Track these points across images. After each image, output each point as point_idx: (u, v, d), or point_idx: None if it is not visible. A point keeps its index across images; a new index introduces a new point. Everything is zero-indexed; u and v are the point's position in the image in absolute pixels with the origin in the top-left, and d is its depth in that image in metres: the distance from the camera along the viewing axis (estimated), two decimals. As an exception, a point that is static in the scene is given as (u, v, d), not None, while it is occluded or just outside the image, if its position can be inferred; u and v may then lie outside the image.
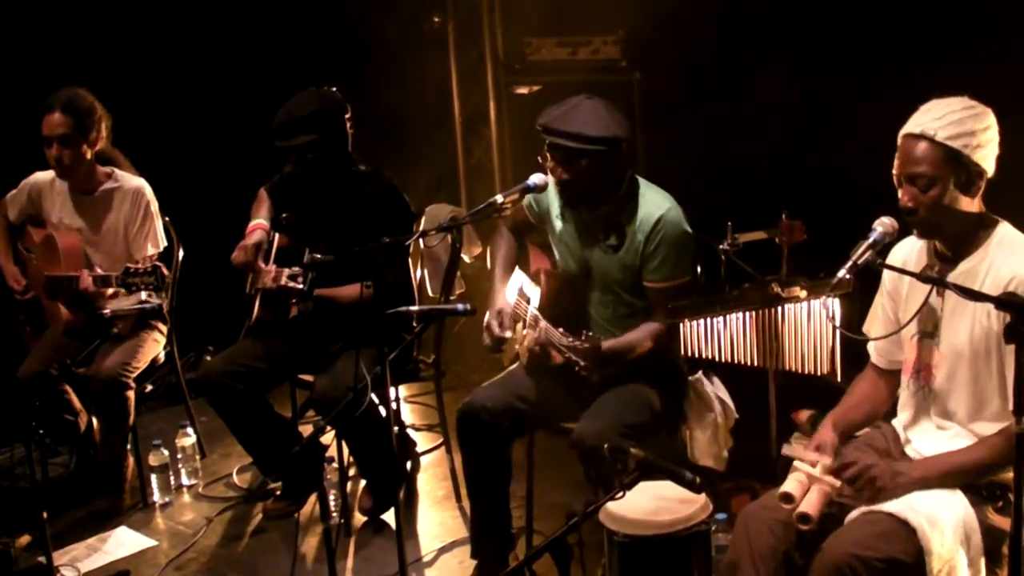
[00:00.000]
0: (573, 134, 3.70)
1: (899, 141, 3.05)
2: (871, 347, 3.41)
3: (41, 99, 4.66)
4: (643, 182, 3.91)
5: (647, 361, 3.90)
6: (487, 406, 3.93)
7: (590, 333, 3.58)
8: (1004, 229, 3.06)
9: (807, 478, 3.13)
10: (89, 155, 4.70)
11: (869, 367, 3.43)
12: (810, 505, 3.03)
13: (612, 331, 3.94)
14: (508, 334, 3.97)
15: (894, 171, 3.05)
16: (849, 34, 5.43)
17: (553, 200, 4.05)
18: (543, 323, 3.84)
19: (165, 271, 4.38)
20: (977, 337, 3.02)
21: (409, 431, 5.43)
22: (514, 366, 4.15)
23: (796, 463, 3.19)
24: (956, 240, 3.08)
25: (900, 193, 3.04)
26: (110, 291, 4.54)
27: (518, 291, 4.13)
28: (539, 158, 3.85)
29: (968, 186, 2.99)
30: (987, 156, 2.99)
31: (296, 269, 4.27)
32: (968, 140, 2.95)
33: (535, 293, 4.05)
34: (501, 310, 4.04)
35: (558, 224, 4.04)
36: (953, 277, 2.98)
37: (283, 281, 4.27)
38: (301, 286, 4.24)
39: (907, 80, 4.95)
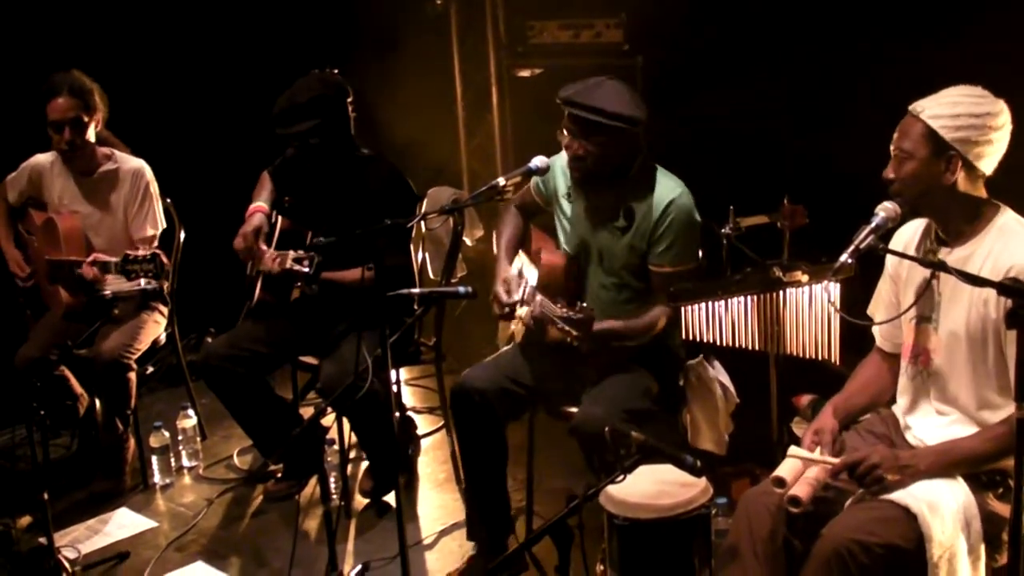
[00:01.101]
0: (593, 107, 3.72)
1: None
2: (875, 330, 3.41)
3: (38, 82, 4.66)
4: (659, 168, 3.91)
5: (644, 345, 3.90)
6: (479, 387, 3.93)
7: (584, 304, 3.58)
8: (1006, 216, 3.05)
9: (802, 463, 3.13)
10: (92, 136, 4.71)
11: (874, 351, 3.44)
12: (801, 488, 3.03)
13: (614, 315, 3.94)
14: (516, 298, 3.96)
15: (891, 145, 3.09)
16: (853, 18, 5.42)
17: (560, 180, 4.05)
18: (539, 296, 3.84)
19: (165, 259, 4.37)
20: (974, 323, 3.03)
21: (410, 413, 5.44)
22: (508, 347, 4.15)
23: (792, 448, 3.19)
24: (952, 224, 3.08)
25: (888, 166, 3.08)
26: (110, 277, 4.55)
27: (518, 271, 4.12)
28: (557, 134, 3.85)
29: (942, 168, 2.99)
30: (971, 143, 2.97)
31: (301, 253, 4.24)
32: (948, 123, 2.96)
33: (533, 273, 4.05)
34: (507, 279, 4.04)
35: (565, 204, 4.04)
36: (952, 261, 2.98)
37: (288, 264, 4.25)
38: (307, 270, 4.21)
39: (911, 65, 4.94)
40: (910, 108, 3.05)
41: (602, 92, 3.76)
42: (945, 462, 3.03)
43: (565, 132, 3.83)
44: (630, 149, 3.84)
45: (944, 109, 2.98)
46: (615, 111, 3.72)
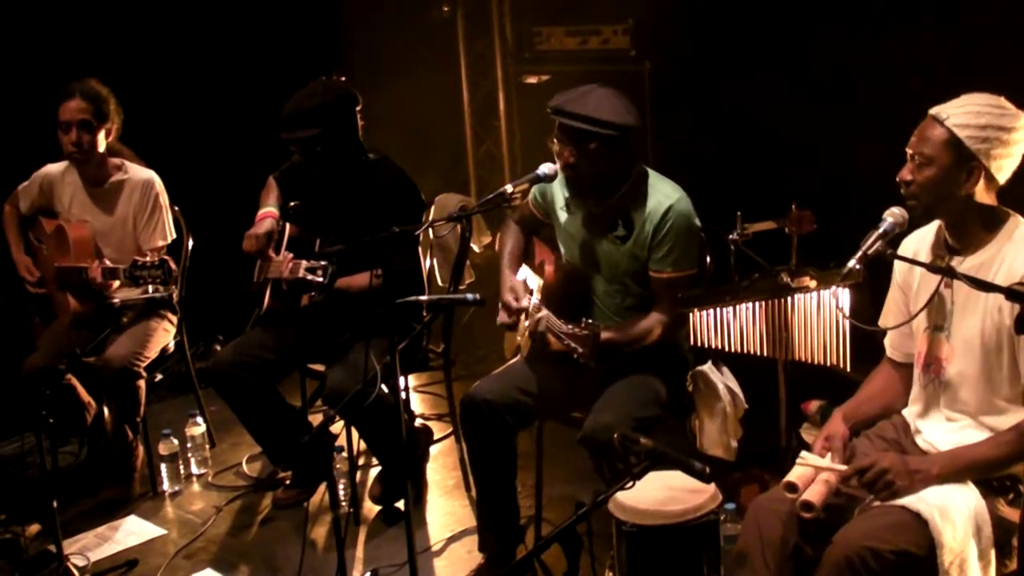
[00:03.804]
0: (583, 116, 3.72)
1: None
2: (887, 340, 3.40)
3: (50, 93, 4.68)
4: (653, 173, 3.92)
5: (652, 351, 3.90)
6: (488, 399, 3.93)
7: (590, 320, 3.58)
8: (1017, 225, 3.04)
9: (813, 468, 3.12)
10: (103, 145, 4.73)
11: (885, 361, 3.43)
12: (814, 493, 3.03)
13: (618, 323, 3.93)
14: (525, 303, 3.96)
15: (907, 147, 3.06)
16: (860, 22, 5.41)
17: (558, 192, 4.05)
18: (544, 311, 3.84)
19: (173, 265, 4.39)
20: (988, 332, 3.01)
21: (420, 420, 5.44)
22: (516, 358, 4.15)
23: (803, 453, 3.18)
24: (961, 231, 3.08)
25: (904, 168, 3.06)
26: (117, 283, 4.56)
27: (523, 281, 4.12)
28: (548, 142, 3.85)
29: (963, 178, 2.98)
30: (995, 157, 2.97)
31: (315, 262, 4.24)
32: (975, 133, 2.94)
33: (537, 284, 4.05)
34: (513, 286, 4.04)
35: (563, 216, 4.05)
36: (964, 270, 2.96)
37: (301, 274, 4.25)
38: (321, 280, 4.21)
39: (919, 70, 4.93)
40: (932, 112, 3.02)
41: (591, 100, 3.76)
42: (956, 467, 3.02)
43: (556, 140, 3.83)
44: (623, 156, 3.84)
45: (970, 119, 2.96)
46: (604, 119, 3.71)
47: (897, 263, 3.27)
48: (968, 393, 3.09)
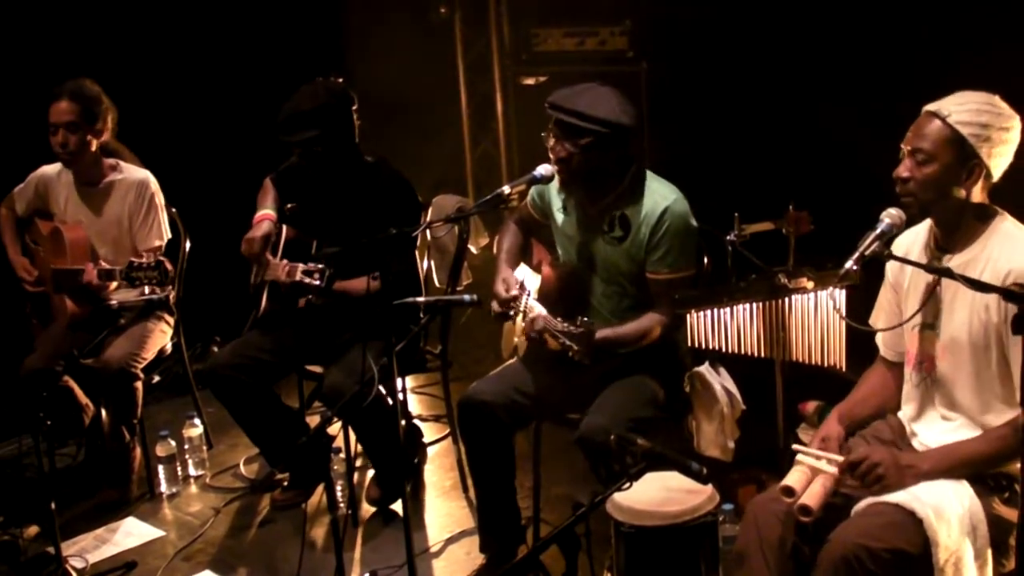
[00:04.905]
0: (576, 112, 3.72)
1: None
2: (879, 340, 3.40)
3: (47, 93, 4.68)
4: (650, 174, 3.91)
5: (649, 352, 3.90)
6: (486, 400, 3.93)
7: (586, 319, 3.59)
8: (1003, 222, 3.05)
9: (810, 471, 3.12)
10: (94, 145, 4.72)
11: (878, 360, 3.43)
12: (811, 497, 3.03)
13: (615, 323, 3.94)
14: (515, 292, 3.96)
15: (903, 143, 3.06)
16: (858, 24, 5.42)
17: (555, 194, 4.05)
18: (539, 309, 3.84)
19: (169, 266, 4.39)
20: (976, 329, 3.02)
21: (416, 421, 5.43)
22: (513, 360, 4.15)
23: (800, 456, 3.19)
24: (952, 229, 3.08)
25: (901, 165, 3.06)
26: (114, 285, 4.56)
27: (520, 281, 4.13)
28: (543, 134, 3.85)
29: (964, 177, 2.99)
30: (994, 155, 2.98)
31: (312, 265, 4.24)
32: (977, 131, 2.95)
33: (535, 284, 4.06)
34: (505, 278, 4.05)
35: (560, 217, 4.05)
36: (953, 267, 2.96)
37: (298, 277, 4.25)
38: (319, 283, 4.21)
39: (915, 71, 4.94)
40: (931, 109, 3.02)
41: (587, 97, 3.76)
42: (948, 463, 3.03)
43: (551, 136, 3.84)
44: (618, 156, 3.83)
45: (971, 116, 2.96)
46: (596, 115, 3.71)
47: (889, 262, 3.27)
48: (962, 392, 3.09)
